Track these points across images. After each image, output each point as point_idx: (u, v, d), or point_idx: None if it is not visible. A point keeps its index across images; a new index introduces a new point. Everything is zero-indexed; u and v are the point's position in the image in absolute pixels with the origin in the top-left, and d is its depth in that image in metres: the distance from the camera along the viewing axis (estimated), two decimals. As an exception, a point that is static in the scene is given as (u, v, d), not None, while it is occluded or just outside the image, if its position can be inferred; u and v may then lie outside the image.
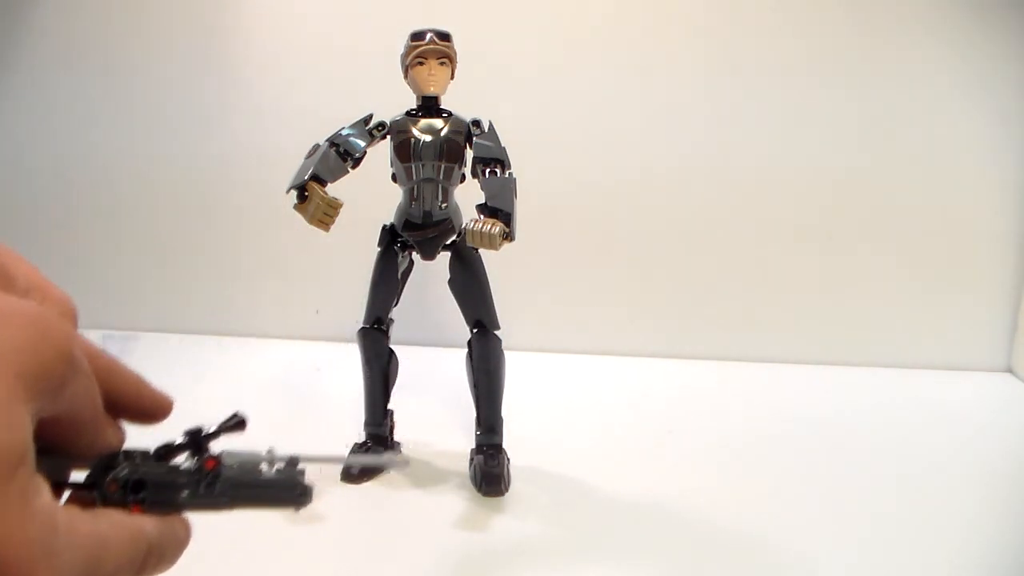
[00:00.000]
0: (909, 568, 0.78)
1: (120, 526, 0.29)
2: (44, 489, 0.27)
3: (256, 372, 1.28)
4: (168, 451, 0.32)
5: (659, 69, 1.32)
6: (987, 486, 0.96)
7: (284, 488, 0.33)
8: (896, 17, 1.28)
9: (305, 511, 0.88)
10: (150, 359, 1.34)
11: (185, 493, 0.31)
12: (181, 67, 1.40)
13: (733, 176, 1.35)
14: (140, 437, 0.32)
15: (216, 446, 0.32)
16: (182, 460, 0.32)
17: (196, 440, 0.32)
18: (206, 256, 1.47)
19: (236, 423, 0.34)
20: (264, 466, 0.33)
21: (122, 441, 0.32)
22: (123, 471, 0.30)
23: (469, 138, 0.87)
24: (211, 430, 0.33)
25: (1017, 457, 1.05)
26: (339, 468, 0.91)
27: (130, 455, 0.31)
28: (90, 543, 0.27)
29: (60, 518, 0.27)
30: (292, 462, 0.33)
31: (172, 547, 0.31)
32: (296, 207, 0.83)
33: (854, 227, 1.35)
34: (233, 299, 1.47)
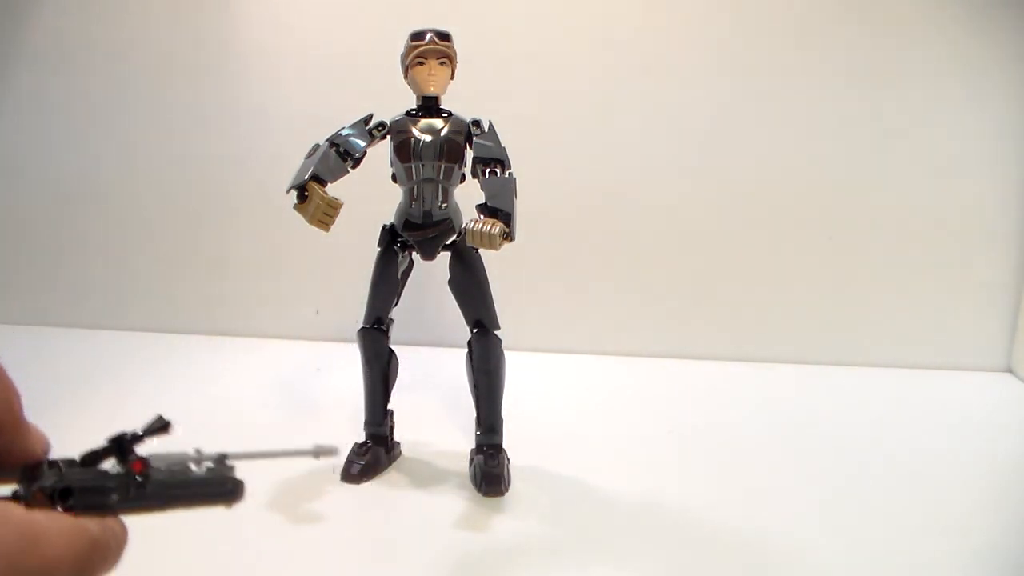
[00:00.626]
0: (909, 567, 0.78)
1: (56, 518, 0.29)
2: None
3: (256, 372, 1.28)
4: (94, 457, 0.31)
5: (660, 68, 1.32)
6: (987, 486, 0.96)
7: (214, 485, 0.33)
8: (897, 19, 1.28)
9: (305, 511, 0.89)
10: (150, 360, 1.34)
11: (114, 497, 0.31)
12: (181, 67, 1.40)
13: (733, 177, 1.35)
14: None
15: (144, 450, 0.32)
16: (109, 465, 0.32)
17: (121, 445, 0.32)
18: (206, 256, 1.47)
19: (160, 426, 0.33)
20: (193, 465, 0.32)
21: (46, 450, 0.32)
22: (49, 480, 0.30)
23: (469, 138, 0.87)
24: (135, 433, 0.32)
25: (1017, 457, 1.05)
26: (337, 470, 0.92)
27: (54, 464, 0.31)
28: (21, 524, 0.27)
29: None
30: (220, 459, 0.33)
31: (115, 545, 0.31)
32: (296, 207, 0.83)
33: (854, 227, 1.35)
34: (234, 299, 1.47)
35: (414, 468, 0.95)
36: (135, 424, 0.32)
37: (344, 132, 0.87)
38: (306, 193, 0.82)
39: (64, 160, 1.47)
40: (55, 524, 0.28)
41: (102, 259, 1.49)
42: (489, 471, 0.89)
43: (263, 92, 1.39)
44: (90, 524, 0.29)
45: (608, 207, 1.37)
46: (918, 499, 0.91)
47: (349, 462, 0.92)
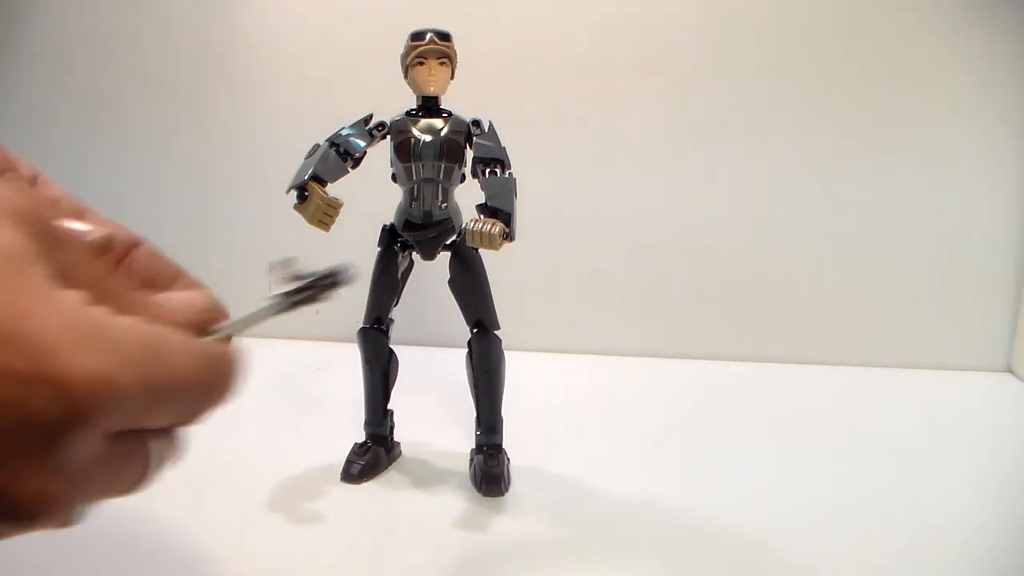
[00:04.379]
0: (908, 568, 0.78)
1: (175, 333, 0.28)
2: (72, 292, 0.25)
3: (256, 372, 1.28)
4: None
5: (661, 70, 1.32)
6: (987, 486, 0.96)
7: (328, 275, 0.36)
8: (897, 18, 1.28)
9: (305, 511, 0.89)
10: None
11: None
12: (181, 67, 1.40)
13: (733, 176, 1.35)
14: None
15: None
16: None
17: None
18: (205, 256, 1.47)
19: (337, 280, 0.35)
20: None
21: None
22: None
23: (469, 138, 0.87)
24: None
25: (1017, 457, 1.05)
26: (338, 467, 0.92)
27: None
28: (143, 331, 0.26)
29: (99, 309, 0.25)
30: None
31: (231, 367, 0.32)
32: (296, 207, 0.83)
33: (854, 227, 1.35)
34: (233, 299, 1.47)
35: (414, 468, 0.95)
36: None
37: (344, 132, 0.87)
38: (306, 193, 0.82)
39: (63, 160, 1.47)
40: (175, 337, 0.28)
41: (102, 259, 1.49)
42: (489, 471, 0.89)
43: (263, 92, 1.39)
44: (208, 344, 0.30)
45: (608, 207, 1.37)
46: (917, 499, 0.91)
47: (349, 462, 0.92)
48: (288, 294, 0.36)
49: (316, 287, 0.36)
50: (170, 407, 0.28)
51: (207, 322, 0.34)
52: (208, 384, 0.30)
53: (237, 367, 0.32)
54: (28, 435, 0.23)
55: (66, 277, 0.26)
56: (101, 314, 0.25)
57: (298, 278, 0.35)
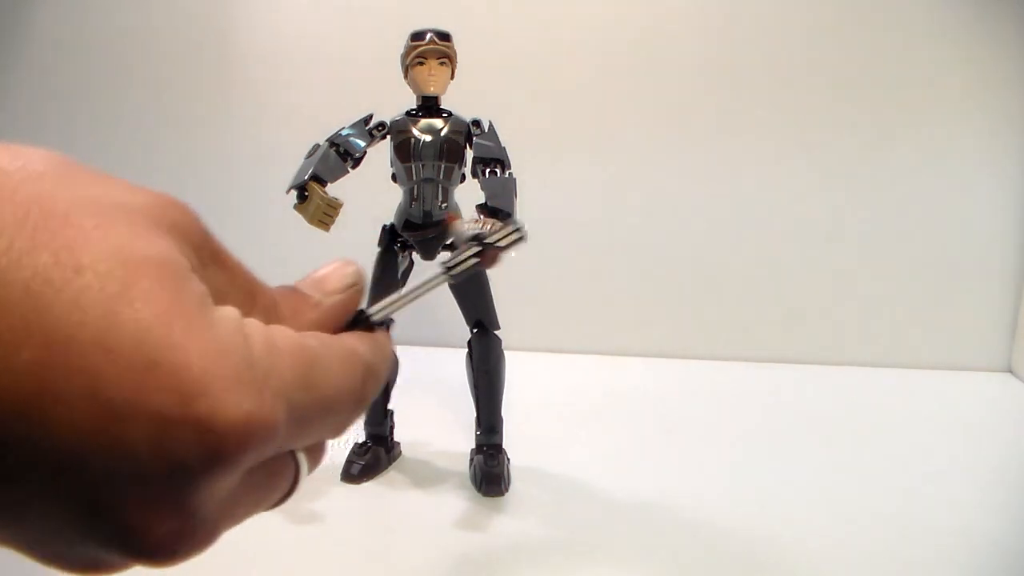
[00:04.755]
0: (909, 568, 0.78)
1: (330, 343, 0.26)
2: (228, 309, 0.23)
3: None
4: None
5: (661, 69, 1.32)
6: (987, 486, 0.96)
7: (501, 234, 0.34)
8: (897, 19, 1.28)
9: (305, 511, 0.88)
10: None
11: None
12: (181, 66, 1.40)
13: (733, 176, 1.35)
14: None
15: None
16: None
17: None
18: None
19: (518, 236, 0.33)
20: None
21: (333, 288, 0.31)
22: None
23: (469, 138, 0.87)
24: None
25: (1017, 457, 1.05)
26: (338, 467, 0.92)
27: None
28: (296, 353, 0.24)
29: (253, 328, 0.23)
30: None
31: (383, 363, 0.29)
32: (296, 207, 0.83)
33: (854, 227, 1.35)
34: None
35: (414, 468, 0.95)
36: None
37: (344, 132, 0.87)
38: (306, 193, 0.82)
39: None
40: (328, 351, 0.26)
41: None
42: (489, 471, 0.89)
43: (263, 92, 1.39)
44: (362, 349, 0.27)
45: (608, 207, 1.37)
46: (918, 498, 0.91)
47: (349, 462, 0.92)
48: (452, 263, 0.33)
49: (482, 252, 0.33)
50: (325, 426, 0.26)
51: (357, 300, 0.31)
52: (365, 394, 0.27)
53: (386, 362, 0.29)
54: (164, 477, 0.21)
55: (220, 296, 0.25)
56: (257, 333, 0.23)
57: (471, 240, 0.33)
